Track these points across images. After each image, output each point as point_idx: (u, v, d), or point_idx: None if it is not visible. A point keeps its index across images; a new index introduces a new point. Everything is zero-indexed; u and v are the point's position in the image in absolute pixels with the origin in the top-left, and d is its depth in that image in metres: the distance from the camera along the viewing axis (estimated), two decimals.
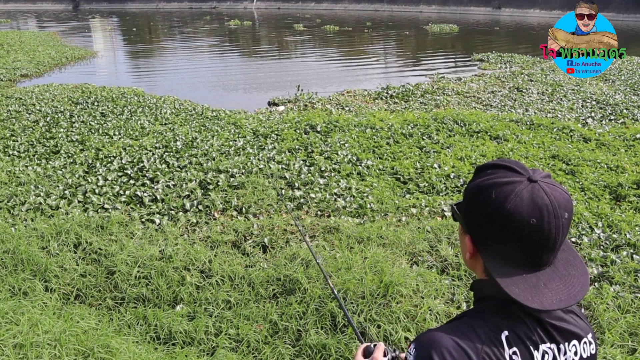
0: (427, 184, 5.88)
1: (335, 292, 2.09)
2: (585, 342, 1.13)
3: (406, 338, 3.28)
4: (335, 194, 5.58)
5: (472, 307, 1.19)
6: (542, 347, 1.08)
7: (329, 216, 5.06)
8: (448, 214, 5.07)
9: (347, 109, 10.24)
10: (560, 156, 6.81)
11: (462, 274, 3.98)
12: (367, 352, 1.41)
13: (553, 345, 1.09)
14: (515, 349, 1.05)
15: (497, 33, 28.94)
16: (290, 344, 3.33)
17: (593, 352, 1.15)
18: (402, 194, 5.67)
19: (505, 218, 1.02)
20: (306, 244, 4.27)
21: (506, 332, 1.05)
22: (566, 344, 1.10)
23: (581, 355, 1.12)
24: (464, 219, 1.14)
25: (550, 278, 1.06)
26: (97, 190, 5.67)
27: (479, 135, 7.84)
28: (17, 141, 7.64)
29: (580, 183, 5.92)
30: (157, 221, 4.95)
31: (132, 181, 5.96)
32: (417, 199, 5.47)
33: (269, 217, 5.00)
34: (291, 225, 4.79)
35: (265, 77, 15.25)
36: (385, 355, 1.35)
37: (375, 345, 1.40)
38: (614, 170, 6.39)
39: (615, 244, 4.49)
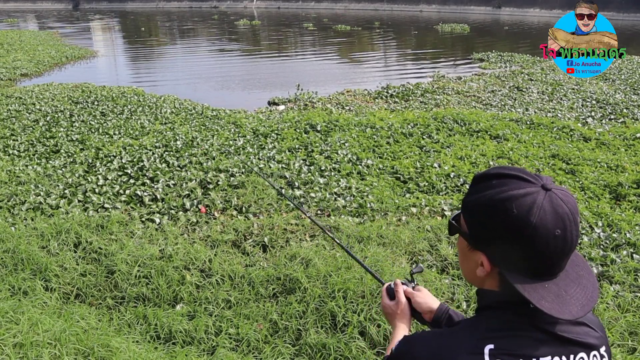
0: (427, 184, 5.88)
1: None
2: (595, 356, 1.07)
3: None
4: (335, 193, 5.58)
5: (474, 309, 1.18)
6: None
7: (329, 215, 5.06)
8: (448, 213, 5.08)
9: (347, 108, 10.24)
10: (560, 155, 6.81)
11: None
12: (391, 292, 1.50)
13: (556, 359, 1.04)
14: None
15: (505, 33, 28.81)
16: (290, 343, 3.33)
17: None
18: (402, 194, 5.67)
19: (532, 233, 0.97)
20: None
21: (491, 346, 1.01)
22: (571, 355, 1.04)
23: None
24: (472, 235, 1.07)
25: (566, 284, 1.03)
26: (97, 190, 5.67)
27: (479, 134, 7.84)
28: (17, 140, 7.64)
29: (580, 182, 5.92)
30: (157, 220, 4.95)
31: (132, 180, 5.97)
32: (417, 198, 5.47)
33: (269, 216, 5.01)
34: (291, 224, 4.79)
35: (267, 76, 15.24)
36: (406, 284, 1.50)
37: (395, 284, 1.50)
38: (614, 170, 6.39)
39: (615, 244, 4.49)
